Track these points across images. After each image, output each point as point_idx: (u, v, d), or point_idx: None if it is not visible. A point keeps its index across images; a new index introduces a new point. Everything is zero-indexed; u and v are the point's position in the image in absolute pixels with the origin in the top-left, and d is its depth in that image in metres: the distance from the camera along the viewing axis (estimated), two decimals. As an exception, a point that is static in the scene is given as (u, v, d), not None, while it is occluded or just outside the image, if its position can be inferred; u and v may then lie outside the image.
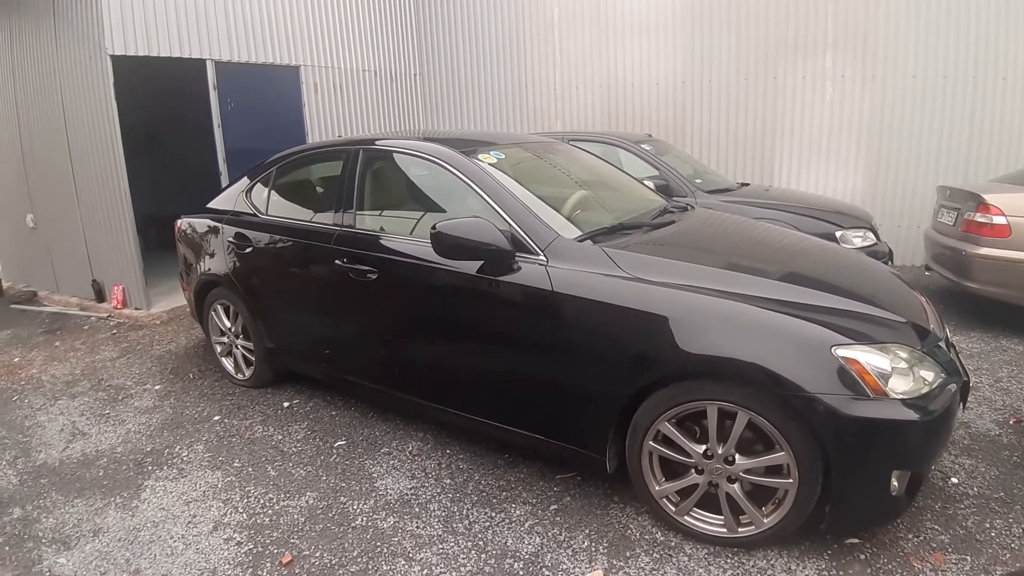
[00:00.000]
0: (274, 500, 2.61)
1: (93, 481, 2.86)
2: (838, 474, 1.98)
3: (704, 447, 2.15)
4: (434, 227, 2.40)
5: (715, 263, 2.40)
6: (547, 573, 2.13)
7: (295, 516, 2.50)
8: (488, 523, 2.40)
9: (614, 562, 2.18)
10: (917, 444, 2.01)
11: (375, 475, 2.77)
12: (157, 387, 3.90)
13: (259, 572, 2.20)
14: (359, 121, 7.17)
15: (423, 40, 8.00)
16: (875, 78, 5.93)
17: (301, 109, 6.45)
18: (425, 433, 3.12)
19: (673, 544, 2.26)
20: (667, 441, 2.21)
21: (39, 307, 5.99)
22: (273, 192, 3.61)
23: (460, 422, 2.81)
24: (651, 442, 2.22)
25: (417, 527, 2.39)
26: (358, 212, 3.06)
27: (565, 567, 2.15)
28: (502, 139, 3.41)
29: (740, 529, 2.18)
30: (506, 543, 2.28)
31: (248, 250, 3.52)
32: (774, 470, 2.09)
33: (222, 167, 5.60)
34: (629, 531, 2.34)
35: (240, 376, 3.85)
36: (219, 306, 3.85)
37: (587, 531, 2.34)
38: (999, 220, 3.98)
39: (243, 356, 3.79)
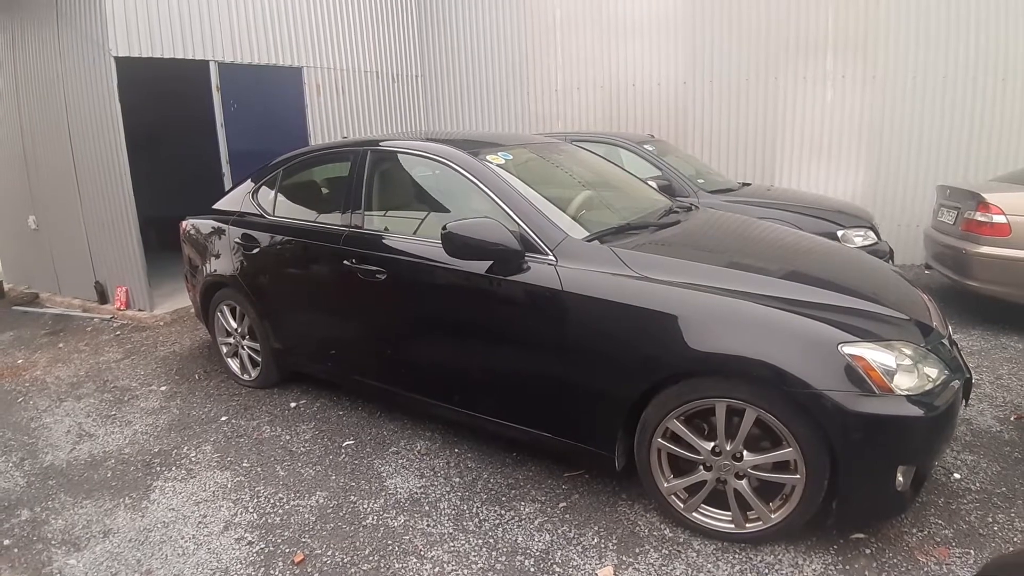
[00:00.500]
0: (284, 500, 2.63)
1: (101, 482, 2.87)
2: (845, 469, 2.01)
3: (712, 444, 2.17)
4: (444, 227, 2.42)
5: (722, 262, 2.43)
6: (558, 570, 2.16)
7: (306, 515, 2.52)
8: (498, 521, 2.42)
9: (624, 558, 2.20)
10: (922, 440, 2.04)
11: (384, 474, 2.79)
12: (163, 388, 3.92)
13: (271, 571, 2.22)
14: (361, 122, 7.19)
15: (424, 41, 8.03)
16: (875, 79, 5.97)
17: (304, 110, 6.47)
18: (433, 432, 3.14)
19: (681, 540, 2.28)
20: (675, 438, 2.24)
21: (41, 309, 5.99)
22: (280, 193, 3.63)
23: (469, 421, 2.83)
24: (660, 439, 2.24)
25: (428, 525, 2.41)
26: (366, 213, 3.09)
27: (575, 564, 2.18)
28: (507, 140, 3.44)
29: (748, 525, 2.21)
30: (516, 540, 2.30)
31: (255, 251, 3.54)
32: (781, 466, 2.11)
33: (225, 168, 5.61)
34: (638, 528, 2.36)
35: (246, 377, 3.87)
36: (225, 307, 3.86)
37: (596, 528, 2.36)
38: (999, 219, 4.01)
39: (249, 357, 3.81)
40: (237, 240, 3.64)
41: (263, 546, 2.35)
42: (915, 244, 5.68)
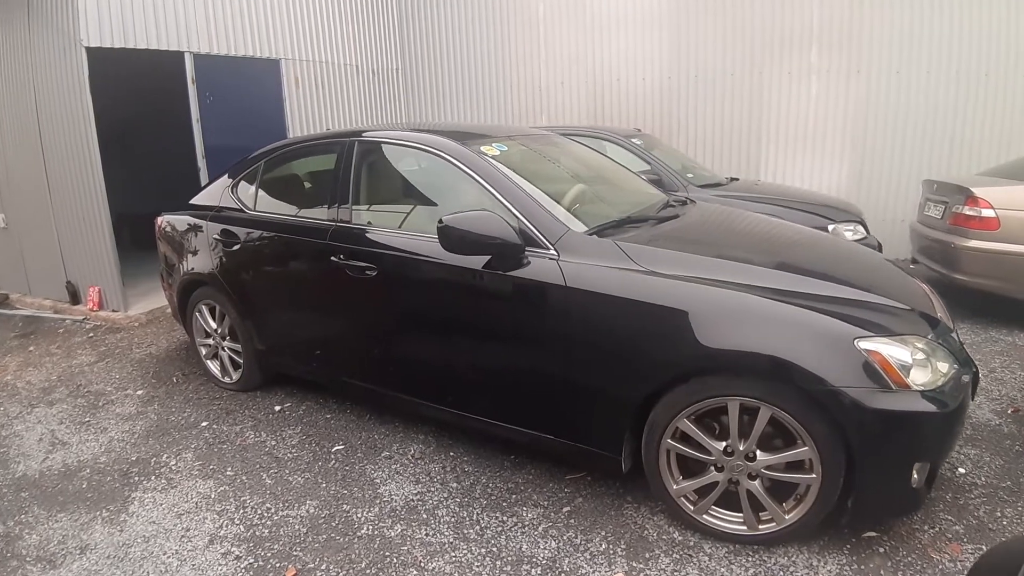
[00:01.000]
0: (272, 510, 2.49)
1: (77, 494, 2.70)
2: (862, 468, 1.95)
3: (724, 444, 2.10)
4: (441, 220, 2.31)
5: (728, 256, 2.35)
6: (566, 578, 2.07)
7: (296, 526, 2.38)
8: (500, 528, 2.32)
9: (634, 564, 2.12)
10: (938, 435, 2.00)
11: (377, 480, 2.67)
12: (139, 392, 3.73)
13: (262, 586, 2.09)
14: (340, 116, 7.01)
15: (405, 34, 7.87)
16: (859, 73, 5.99)
17: (282, 104, 6.27)
18: (426, 435, 3.03)
19: (692, 544, 2.21)
20: (685, 438, 2.16)
21: (11, 310, 5.71)
22: (261, 187, 3.47)
23: (466, 423, 2.72)
24: (669, 440, 2.16)
25: (426, 534, 2.30)
26: (354, 207, 2.95)
27: (584, 571, 2.09)
28: (497, 131, 3.32)
29: (761, 526, 2.14)
30: (521, 548, 2.20)
31: (235, 247, 3.38)
32: (794, 465, 2.05)
33: (201, 163, 5.40)
34: (646, 531, 2.28)
35: (227, 379, 3.70)
36: (204, 307, 3.69)
37: (603, 533, 2.27)
38: (988, 213, 4.03)
39: (230, 358, 3.65)
40: (216, 236, 3.47)
41: (252, 560, 2.21)
42: (900, 238, 5.71)
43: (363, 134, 3.07)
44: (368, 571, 2.13)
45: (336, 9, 6.82)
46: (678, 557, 2.14)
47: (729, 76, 6.54)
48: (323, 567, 2.16)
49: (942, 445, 2.05)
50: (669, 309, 2.07)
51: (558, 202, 2.63)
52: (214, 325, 3.67)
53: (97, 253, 5.03)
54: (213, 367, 3.78)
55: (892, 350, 1.94)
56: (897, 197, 6.01)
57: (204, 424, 3.27)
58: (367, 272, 2.76)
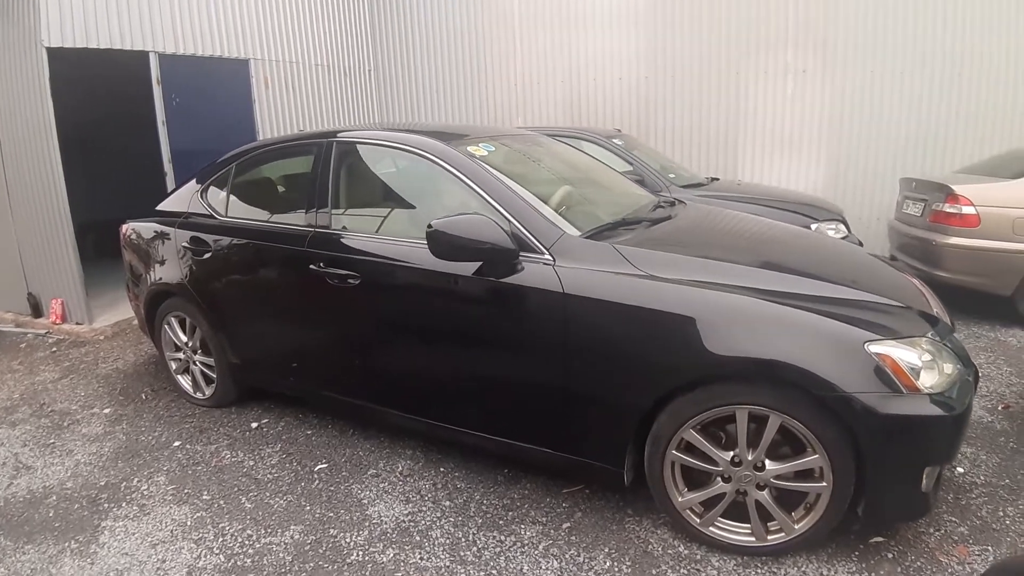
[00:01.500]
0: (254, 537, 2.33)
1: (43, 523, 2.50)
2: (873, 474, 1.90)
3: (731, 454, 2.03)
4: (430, 225, 2.19)
5: (728, 258, 2.28)
6: (571, 600, 1.96)
7: (280, 554, 2.23)
8: (498, 548, 2.21)
9: (640, 582, 2.03)
10: (947, 438, 1.96)
11: (365, 501, 2.52)
12: (106, 411, 3.51)
13: (245, 622, 1.94)
14: (312, 118, 6.83)
15: (377, 33, 7.70)
16: (835, 73, 6.03)
17: (251, 105, 6.06)
18: (414, 451, 2.89)
19: (699, 557, 2.13)
20: (690, 449, 2.08)
21: (-36, 325, 5.39)
22: (233, 192, 3.30)
23: (458, 438, 2.60)
24: (674, 451, 2.08)
25: (421, 558, 2.17)
26: (334, 211, 2.81)
27: (590, 592, 1.99)
28: (482, 132, 3.20)
29: (769, 537, 2.08)
30: (522, 570, 2.09)
31: (206, 256, 3.20)
32: (803, 474, 1.99)
33: (167, 168, 5.18)
34: (650, 546, 2.19)
35: (199, 395, 3.51)
36: (173, 319, 3.49)
37: (606, 550, 2.18)
38: (968, 210, 4.06)
39: (202, 373, 3.46)
40: (185, 244, 3.29)
41: (233, 593, 2.06)
42: (877, 235, 5.77)
43: (342, 134, 2.93)
44: (360, 601, 2.00)
45: (306, 8, 6.63)
46: (686, 572, 2.06)
47: (706, 76, 6.54)
48: (311, 598, 2.02)
49: (951, 448, 2.00)
50: (675, 315, 1.98)
51: (553, 204, 2.54)
52: (184, 338, 3.48)
53: (59, 263, 4.78)
54: (184, 382, 3.58)
55: (901, 353, 1.89)
56: (873, 195, 6.07)
57: (176, 444, 3.09)
58: (349, 280, 2.62)
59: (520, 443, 2.39)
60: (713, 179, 5.65)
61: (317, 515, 2.44)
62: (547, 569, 2.09)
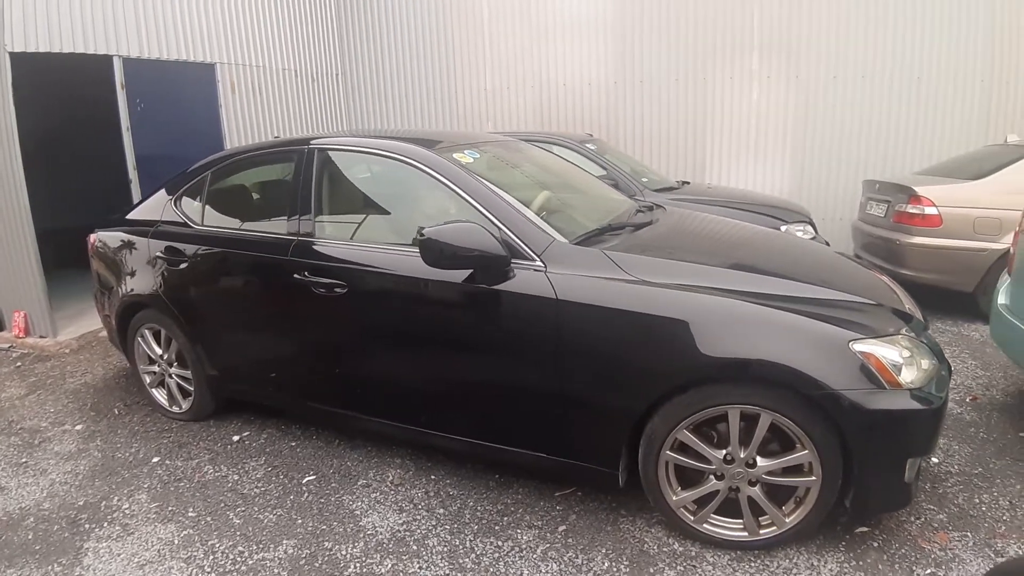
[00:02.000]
0: (246, 553, 2.28)
1: (23, 546, 2.39)
2: (860, 467, 1.98)
3: (723, 452, 2.08)
4: (421, 233, 2.18)
5: (716, 262, 2.34)
6: (573, 602, 1.98)
7: (275, 570, 2.18)
8: (497, 554, 2.21)
9: (639, 581, 2.06)
10: (928, 430, 2.05)
11: (358, 512, 2.49)
12: (78, 427, 3.38)
13: (243, 641, 1.89)
14: (279, 123, 6.70)
15: (345, 38, 7.62)
16: (798, 78, 6.24)
17: (217, 110, 5.92)
18: (403, 459, 2.87)
19: (694, 554, 2.17)
20: (683, 448, 2.12)
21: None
22: (209, 200, 3.22)
23: (450, 445, 2.60)
24: (668, 451, 2.12)
25: (420, 568, 2.16)
26: (317, 220, 2.77)
27: (591, 594, 2.01)
28: (462, 138, 3.20)
29: (761, 531, 2.13)
30: (522, 574, 2.10)
31: (182, 266, 3.12)
32: (793, 469, 2.05)
33: (132, 175, 5.02)
34: (646, 545, 2.23)
35: (176, 409, 3.41)
36: (147, 331, 3.39)
37: (604, 550, 2.20)
38: (931, 211, 4.25)
39: (178, 386, 3.36)
40: (159, 254, 3.20)
41: (228, 612, 2.01)
42: (839, 235, 5.97)
43: (323, 141, 2.90)
44: (361, 613, 1.98)
45: (273, 12, 6.52)
46: (682, 569, 2.10)
47: (674, 82, 6.68)
48: (310, 613, 1.99)
49: (931, 440, 2.09)
50: (669, 319, 2.02)
51: (539, 210, 2.55)
52: (159, 351, 3.38)
53: (22, 274, 4.57)
54: (159, 396, 3.47)
55: (884, 350, 1.98)
56: (836, 196, 6.29)
57: (155, 460, 2.99)
58: (336, 290, 2.59)
59: (514, 448, 2.40)
60: (684, 183, 5.77)
61: (310, 528, 2.40)
62: (547, 572, 2.11)
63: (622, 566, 2.13)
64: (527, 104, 7.28)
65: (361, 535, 2.35)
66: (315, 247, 2.70)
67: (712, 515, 2.18)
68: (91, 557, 2.30)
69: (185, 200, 3.30)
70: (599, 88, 6.98)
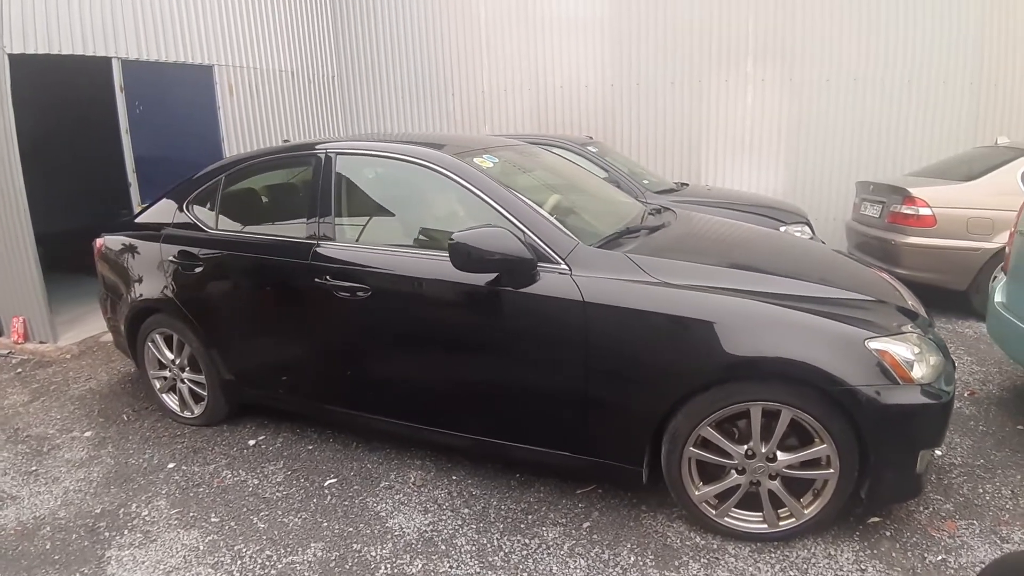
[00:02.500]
0: (274, 558, 2.30)
1: (42, 556, 2.38)
2: (875, 459, 2.06)
3: (745, 447, 2.14)
4: (451, 238, 2.22)
5: (728, 264, 2.42)
6: (603, 597, 2.03)
7: (305, 573, 2.20)
8: (525, 551, 2.26)
9: (665, 573, 2.12)
10: (938, 423, 2.14)
11: (383, 514, 2.52)
12: (87, 434, 3.37)
13: (280, 641, 1.92)
14: (277, 125, 6.69)
15: (341, 40, 7.62)
16: (792, 81, 6.37)
17: (216, 112, 5.90)
18: (423, 460, 2.90)
19: (716, 547, 2.23)
20: (705, 444, 2.19)
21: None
22: (223, 204, 3.23)
23: (473, 446, 2.64)
24: (692, 447, 2.18)
25: (450, 567, 2.19)
26: (338, 224, 2.80)
27: (621, 588, 2.07)
28: (474, 143, 3.22)
29: (781, 523, 2.21)
30: (551, 570, 2.15)
31: (196, 270, 3.12)
32: (811, 462, 2.13)
33: (131, 177, 4.99)
34: (669, 539, 2.29)
35: (188, 414, 3.41)
36: (158, 336, 3.38)
37: (629, 545, 2.26)
38: (925, 211, 4.37)
39: (191, 391, 3.36)
40: (172, 259, 3.20)
41: (262, 613, 2.04)
42: (834, 235, 6.10)
43: (339, 145, 2.92)
44: (396, 612, 2.01)
45: (270, 14, 6.51)
46: (706, 561, 2.16)
47: (670, 85, 6.77)
48: (346, 613, 2.02)
49: (940, 432, 2.18)
50: (696, 320, 2.09)
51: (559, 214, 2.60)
52: (171, 355, 3.37)
53: (21, 279, 4.52)
54: (170, 401, 3.47)
55: (897, 348, 2.06)
56: (830, 197, 6.43)
57: (171, 466, 3.00)
58: (359, 293, 2.62)
59: (540, 448, 2.44)
60: (683, 184, 5.85)
61: (336, 530, 2.43)
62: (575, 568, 2.16)
63: (648, 560, 2.19)
64: (524, 106, 7.33)
65: (388, 536, 2.38)
66: (337, 251, 2.73)
67: (733, 509, 2.24)
68: (115, 565, 2.30)
69: (197, 204, 3.30)
70: (596, 91, 7.05)
